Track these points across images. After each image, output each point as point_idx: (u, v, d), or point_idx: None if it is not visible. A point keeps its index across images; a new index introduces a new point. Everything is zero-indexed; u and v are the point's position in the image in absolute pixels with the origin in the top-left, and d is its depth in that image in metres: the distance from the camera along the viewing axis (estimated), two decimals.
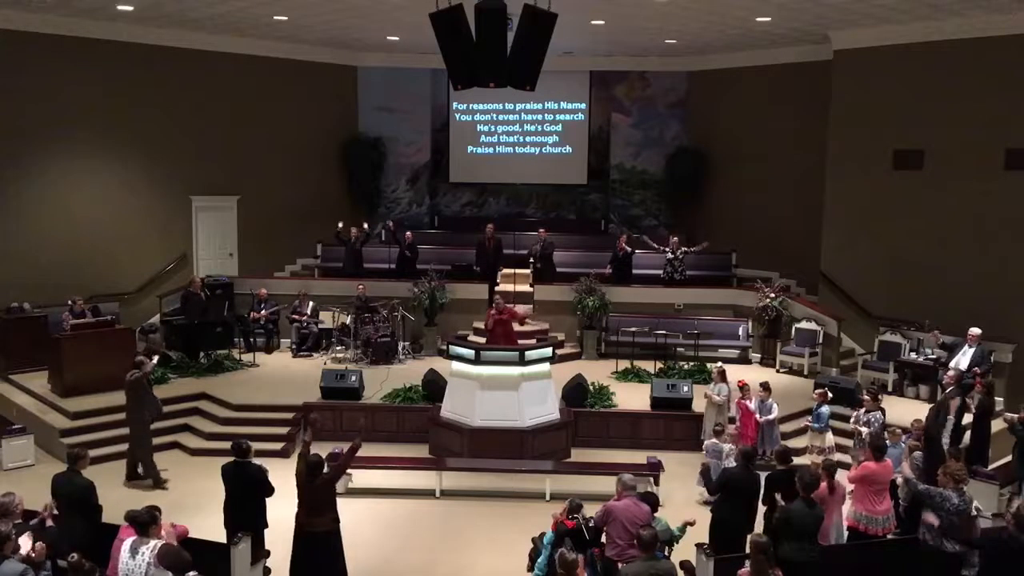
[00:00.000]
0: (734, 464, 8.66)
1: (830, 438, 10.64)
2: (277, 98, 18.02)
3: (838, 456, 10.32)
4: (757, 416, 10.91)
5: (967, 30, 13.54)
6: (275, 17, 14.74)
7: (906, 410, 11.63)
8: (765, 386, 11.10)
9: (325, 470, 7.70)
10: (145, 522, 6.22)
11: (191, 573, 6.12)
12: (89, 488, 7.48)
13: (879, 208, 14.93)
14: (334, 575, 7.78)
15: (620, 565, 6.70)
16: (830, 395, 11.08)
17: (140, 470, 10.63)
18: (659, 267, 16.64)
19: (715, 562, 6.99)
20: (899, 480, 8.53)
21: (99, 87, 15.34)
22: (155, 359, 11.48)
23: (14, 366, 13.47)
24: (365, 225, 17.36)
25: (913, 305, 14.26)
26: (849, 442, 10.78)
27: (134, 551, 6.08)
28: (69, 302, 13.73)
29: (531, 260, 16.77)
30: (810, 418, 10.91)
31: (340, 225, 16.69)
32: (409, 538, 9.37)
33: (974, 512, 7.39)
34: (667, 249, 16.45)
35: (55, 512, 7.02)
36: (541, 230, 17.15)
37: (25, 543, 5.95)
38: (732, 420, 11.23)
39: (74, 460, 7.68)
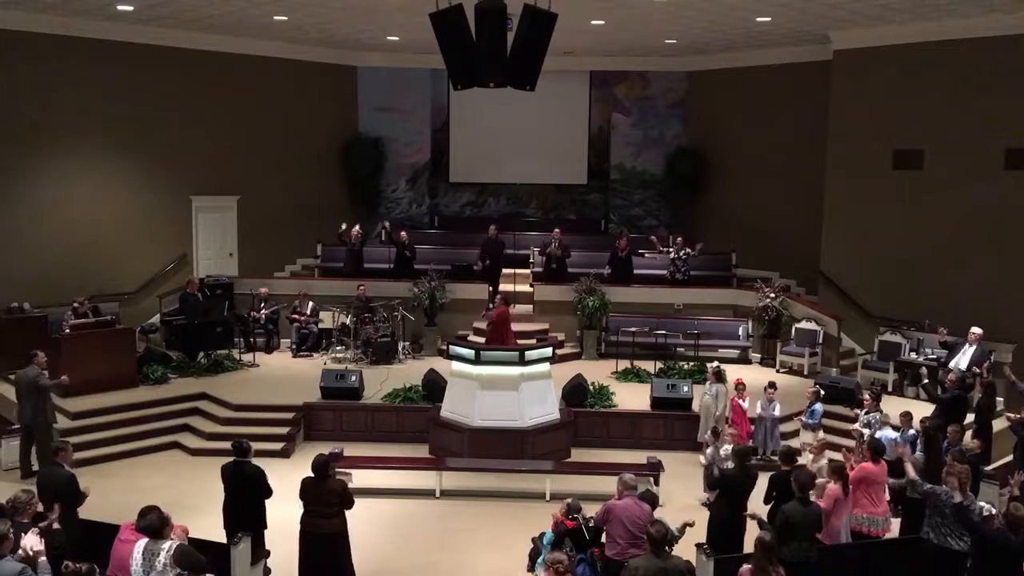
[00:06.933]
0: (731, 465, 8.68)
1: (821, 436, 10.68)
2: (277, 98, 18.02)
3: (829, 454, 10.34)
4: (748, 415, 11.06)
5: (967, 30, 13.53)
6: (275, 17, 14.73)
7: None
8: (772, 386, 11.24)
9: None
10: (157, 528, 6.06)
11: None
12: (70, 480, 7.48)
13: (879, 208, 14.93)
14: None
15: (627, 563, 6.68)
16: (822, 393, 11.22)
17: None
18: (660, 267, 16.67)
19: (715, 562, 6.98)
20: (891, 482, 8.56)
21: (99, 87, 15.33)
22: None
23: (14, 366, 13.43)
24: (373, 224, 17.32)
25: (913, 305, 14.25)
26: (845, 441, 10.81)
27: (149, 556, 5.86)
28: (75, 303, 13.69)
29: (545, 259, 16.54)
30: (804, 415, 10.97)
31: (343, 227, 16.67)
32: (409, 538, 9.36)
33: (986, 513, 7.42)
34: (669, 249, 16.45)
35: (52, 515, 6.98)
36: (556, 230, 16.85)
37: (34, 543, 5.90)
38: (727, 420, 11.26)
39: (55, 452, 7.74)
